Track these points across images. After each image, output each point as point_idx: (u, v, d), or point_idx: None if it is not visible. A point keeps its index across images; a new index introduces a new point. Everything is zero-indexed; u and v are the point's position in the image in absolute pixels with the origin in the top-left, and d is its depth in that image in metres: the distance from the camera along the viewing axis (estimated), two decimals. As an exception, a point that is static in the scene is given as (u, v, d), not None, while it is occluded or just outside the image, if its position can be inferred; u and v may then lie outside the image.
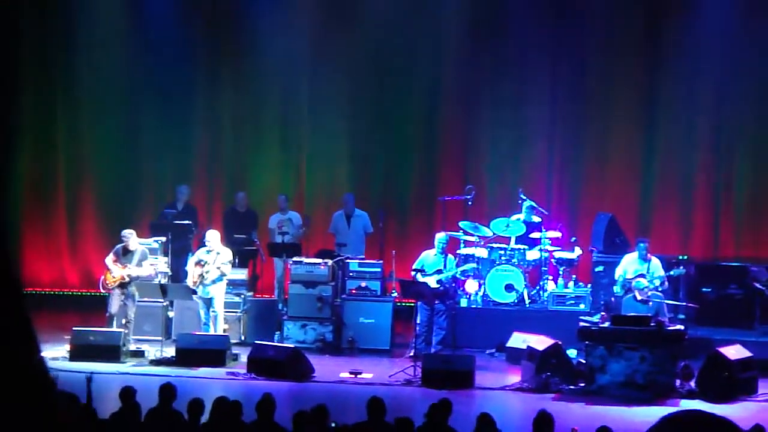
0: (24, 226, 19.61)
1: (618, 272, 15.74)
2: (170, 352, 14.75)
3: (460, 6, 19.16)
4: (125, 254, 15.24)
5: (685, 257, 16.62)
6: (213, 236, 15.52)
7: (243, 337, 16.13)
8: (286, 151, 19.72)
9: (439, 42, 19.20)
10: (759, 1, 18.69)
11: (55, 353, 14.63)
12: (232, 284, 16.02)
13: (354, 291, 16.40)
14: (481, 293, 16.52)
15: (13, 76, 19.58)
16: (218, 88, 19.72)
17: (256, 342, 14.94)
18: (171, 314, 16.24)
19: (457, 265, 16.01)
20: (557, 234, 17.03)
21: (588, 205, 18.70)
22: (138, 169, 19.65)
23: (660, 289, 15.33)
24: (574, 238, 17.08)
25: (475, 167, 19.16)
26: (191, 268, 15.44)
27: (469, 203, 16.96)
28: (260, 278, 17.62)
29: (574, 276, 16.87)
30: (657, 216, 18.84)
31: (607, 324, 13.94)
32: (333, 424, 8.86)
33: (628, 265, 15.66)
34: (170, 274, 16.36)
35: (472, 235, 16.67)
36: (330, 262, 16.39)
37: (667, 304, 15.31)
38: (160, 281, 15.87)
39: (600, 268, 16.72)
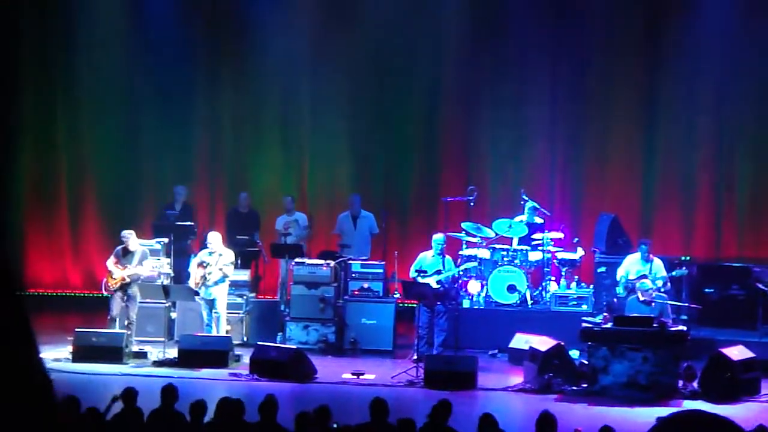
0: (26, 227, 19.63)
1: (620, 273, 15.72)
2: (173, 353, 14.74)
3: (460, 6, 19.16)
4: (125, 255, 15.23)
5: (688, 258, 16.59)
6: (215, 238, 15.51)
7: (245, 338, 16.12)
8: (287, 152, 19.72)
9: (440, 42, 19.20)
10: (759, 1, 18.68)
11: (58, 354, 14.63)
12: (235, 285, 16.01)
13: (356, 292, 16.40)
14: (483, 294, 16.52)
15: (13, 76, 19.58)
16: (218, 88, 19.71)
17: (259, 343, 14.94)
18: (173, 315, 16.23)
19: (457, 265, 15.99)
20: (560, 235, 17.01)
21: (590, 206, 18.70)
22: (138, 169, 19.65)
23: (662, 289, 15.32)
24: (576, 239, 17.07)
25: (476, 168, 19.16)
26: (194, 269, 15.43)
27: (472, 204, 16.95)
28: (263, 279, 17.61)
29: (576, 277, 16.86)
30: (659, 216, 18.83)
31: (609, 325, 13.93)
32: (335, 425, 8.86)
33: (631, 265, 15.64)
34: (173, 275, 16.36)
35: (475, 236, 16.66)
36: (332, 263, 16.38)
37: (670, 304, 15.29)
38: (162, 282, 15.87)
39: (602, 269, 16.70)
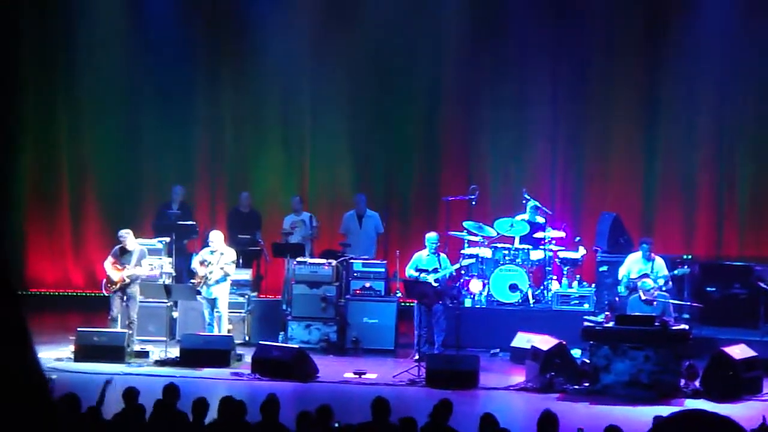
0: (27, 227, 19.66)
1: (622, 272, 15.72)
2: (174, 352, 14.75)
3: (460, 6, 19.17)
4: (123, 254, 15.22)
5: (689, 257, 16.59)
6: (216, 237, 15.51)
7: (247, 338, 16.13)
8: (288, 152, 19.73)
9: (440, 42, 19.21)
10: (759, 1, 18.68)
11: (60, 354, 14.65)
12: (236, 285, 16.02)
13: (358, 291, 16.40)
14: (485, 293, 16.52)
15: (14, 76, 19.60)
16: (219, 88, 19.72)
17: (261, 342, 14.94)
18: (175, 315, 16.24)
19: (453, 263, 15.97)
20: (561, 234, 17.01)
21: (591, 205, 18.71)
22: (139, 169, 19.67)
23: (664, 288, 15.32)
24: (578, 238, 17.07)
25: (477, 167, 19.17)
26: (197, 266, 15.42)
27: (473, 203, 16.95)
28: (264, 278, 17.62)
29: (578, 276, 16.86)
30: (660, 215, 18.84)
31: (611, 324, 13.92)
32: (337, 425, 8.86)
33: (632, 264, 15.64)
34: (174, 274, 16.37)
35: (476, 235, 16.66)
36: (334, 262, 16.39)
37: (672, 303, 15.29)
38: (164, 282, 15.87)
39: (604, 268, 16.70)
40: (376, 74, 19.35)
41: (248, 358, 14.44)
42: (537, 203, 17.20)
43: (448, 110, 19.44)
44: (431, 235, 15.78)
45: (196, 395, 9.43)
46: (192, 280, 15.54)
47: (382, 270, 16.56)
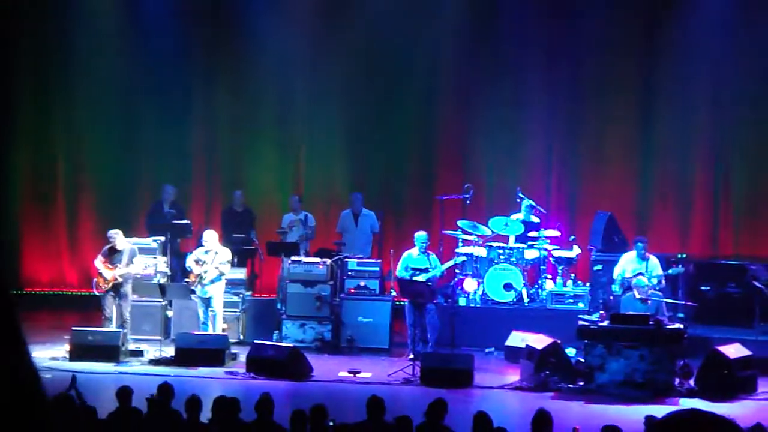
0: (23, 226, 19.63)
1: (617, 271, 15.73)
2: (169, 351, 14.74)
3: (455, 6, 19.15)
4: (113, 254, 15.20)
5: (684, 256, 16.59)
6: (210, 236, 15.49)
7: (242, 337, 16.13)
8: (284, 151, 19.72)
9: (435, 42, 19.20)
10: (754, 1, 18.68)
11: (55, 353, 14.64)
12: (231, 283, 16.01)
13: (353, 290, 16.39)
14: (479, 292, 16.52)
15: (11, 76, 19.56)
16: (215, 88, 19.70)
17: (255, 341, 14.93)
18: (170, 314, 16.23)
19: (443, 262, 15.96)
20: (556, 233, 17.02)
21: (586, 204, 18.71)
22: (135, 169, 19.64)
23: (658, 287, 15.34)
24: (572, 237, 17.08)
25: (473, 166, 19.15)
26: (192, 265, 15.40)
27: (468, 202, 16.95)
28: (259, 277, 17.61)
29: (572, 275, 16.86)
30: (655, 214, 18.85)
31: (606, 323, 13.93)
32: (331, 423, 8.86)
33: (627, 263, 15.65)
34: (169, 273, 16.35)
35: (471, 234, 16.66)
36: (328, 261, 16.38)
37: (666, 302, 15.31)
38: (158, 281, 15.86)
39: (599, 267, 16.71)
40: (371, 73, 19.34)
41: (243, 357, 14.44)
42: (532, 202, 17.20)
43: (443, 110, 19.44)
44: (421, 234, 15.77)
45: (190, 394, 9.42)
46: (186, 279, 15.53)
47: (377, 269, 16.56)
